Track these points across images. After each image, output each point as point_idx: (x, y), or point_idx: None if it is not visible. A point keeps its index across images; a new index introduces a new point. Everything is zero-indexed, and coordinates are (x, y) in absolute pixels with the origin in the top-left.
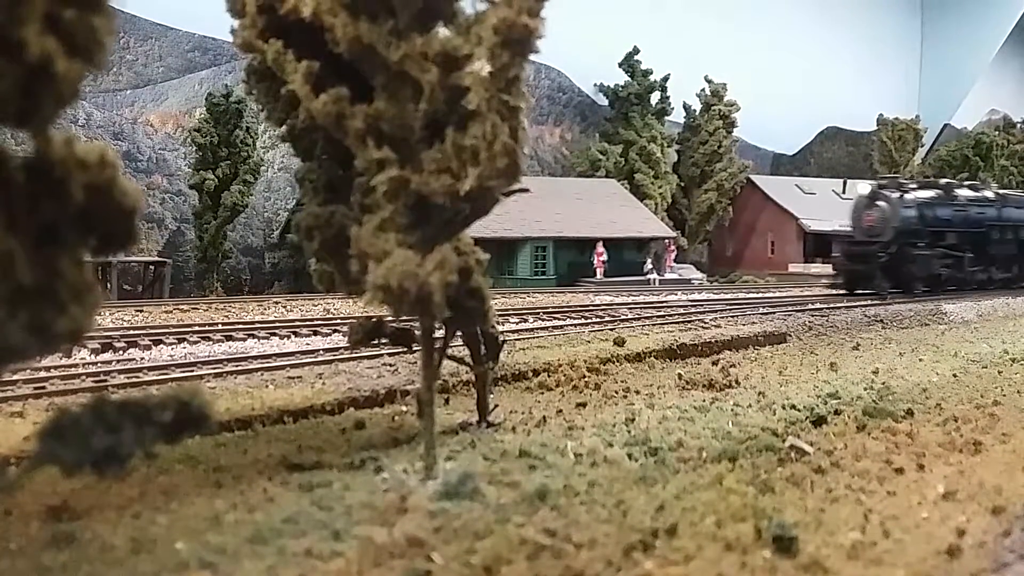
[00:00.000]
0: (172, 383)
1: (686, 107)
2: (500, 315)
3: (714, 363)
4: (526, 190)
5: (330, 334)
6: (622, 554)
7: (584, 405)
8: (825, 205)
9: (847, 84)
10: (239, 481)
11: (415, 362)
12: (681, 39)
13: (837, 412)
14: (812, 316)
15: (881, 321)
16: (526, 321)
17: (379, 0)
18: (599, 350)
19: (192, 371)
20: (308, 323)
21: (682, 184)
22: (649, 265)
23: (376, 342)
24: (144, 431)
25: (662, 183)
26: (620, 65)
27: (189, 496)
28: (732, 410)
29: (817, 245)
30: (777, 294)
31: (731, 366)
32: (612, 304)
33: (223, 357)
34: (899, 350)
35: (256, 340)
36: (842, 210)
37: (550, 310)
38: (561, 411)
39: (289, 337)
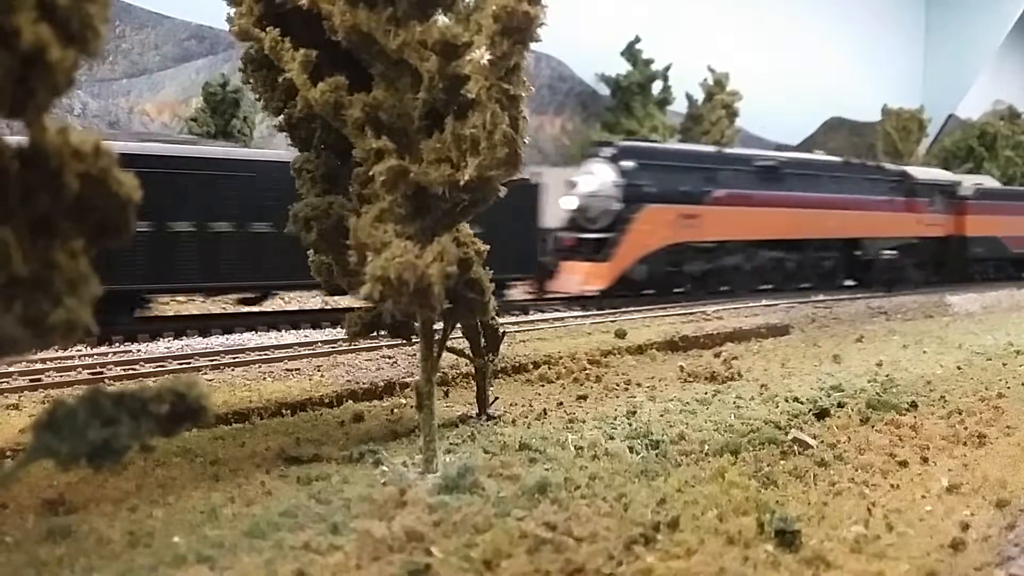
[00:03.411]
0: (169, 375)
1: (688, 96)
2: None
3: (716, 355)
4: (526, 180)
5: (328, 326)
6: (623, 548)
7: (585, 398)
8: None
9: (851, 74)
10: (236, 474)
11: (414, 354)
12: (683, 28)
13: (840, 405)
14: (815, 308)
15: (885, 313)
16: (527, 313)
17: None
18: (600, 342)
19: (189, 363)
20: (306, 315)
21: None
22: None
23: (375, 334)
24: (140, 424)
25: None
26: (622, 54)
27: (186, 489)
28: (734, 403)
29: None
30: None
31: (733, 358)
32: None
33: (220, 349)
34: (903, 342)
35: (254, 332)
36: None
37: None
38: (562, 404)
39: (287, 329)
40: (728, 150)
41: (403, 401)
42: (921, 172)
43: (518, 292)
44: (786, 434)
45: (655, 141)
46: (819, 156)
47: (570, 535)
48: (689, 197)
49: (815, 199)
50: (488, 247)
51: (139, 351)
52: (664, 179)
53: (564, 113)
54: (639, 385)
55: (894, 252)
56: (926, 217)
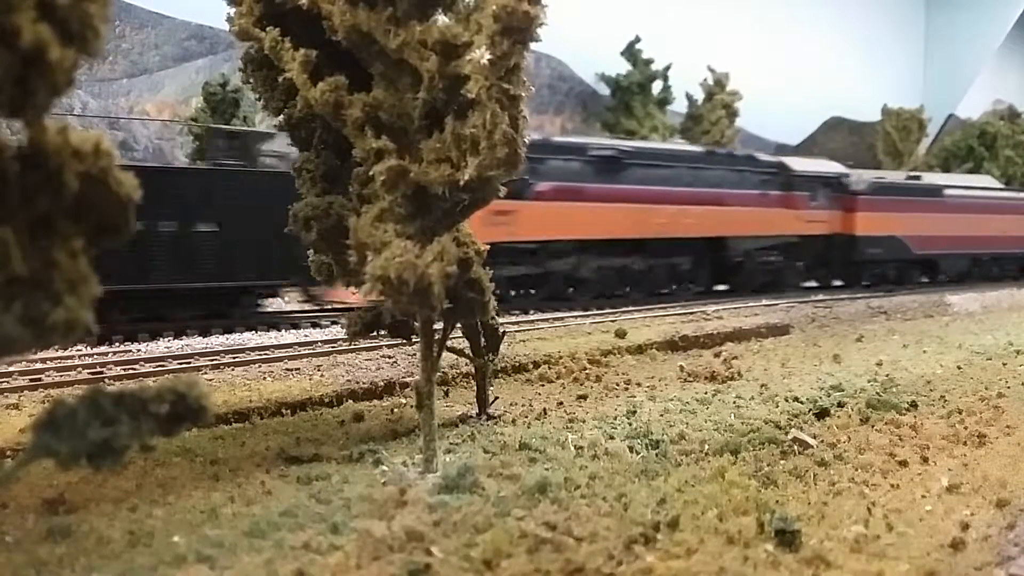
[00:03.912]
0: (169, 375)
1: (688, 96)
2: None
3: (716, 355)
4: (526, 179)
5: (328, 326)
6: (623, 547)
7: (585, 397)
8: None
9: (852, 74)
10: (236, 474)
11: (414, 354)
12: (684, 28)
13: (840, 404)
14: (815, 308)
15: (885, 312)
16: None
17: None
18: (600, 342)
19: (189, 363)
20: (306, 315)
21: None
22: None
23: (375, 334)
24: (140, 423)
25: None
26: (622, 54)
27: (186, 489)
28: (734, 402)
29: None
30: None
31: (733, 358)
32: None
33: (220, 349)
34: (903, 342)
35: (254, 332)
36: None
37: None
38: (562, 403)
39: (287, 329)
40: (557, 138)
41: (403, 401)
42: (801, 163)
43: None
44: (786, 434)
45: None
46: (677, 146)
47: (570, 535)
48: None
49: (667, 193)
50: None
51: (139, 351)
52: None
53: (564, 113)
54: (639, 385)
55: (767, 252)
56: (806, 213)
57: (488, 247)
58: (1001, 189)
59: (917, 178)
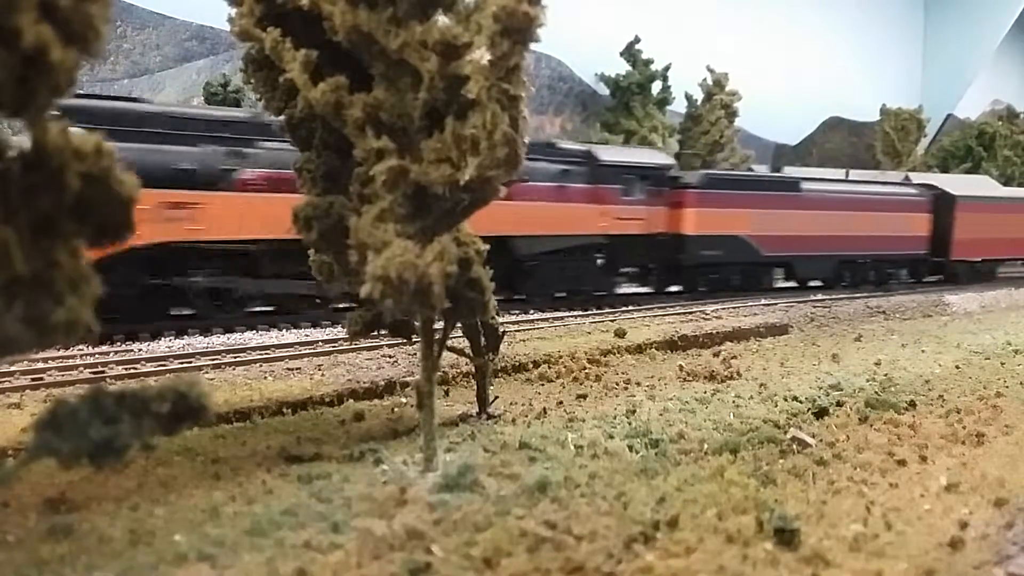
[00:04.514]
0: (170, 374)
1: (688, 97)
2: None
3: (715, 354)
4: (526, 180)
5: (329, 325)
6: (623, 546)
7: (585, 397)
8: None
9: (850, 74)
10: (238, 473)
11: (414, 353)
12: (683, 28)
13: (839, 404)
14: (814, 307)
15: (883, 312)
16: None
17: None
18: (600, 341)
19: (191, 362)
20: (307, 314)
21: None
22: None
23: (375, 333)
24: (142, 422)
25: None
26: (621, 54)
27: (187, 488)
28: (733, 402)
29: None
30: None
31: (732, 357)
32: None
33: (221, 348)
34: (901, 341)
35: (255, 331)
36: None
37: None
38: (562, 403)
39: (288, 328)
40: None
41: (403, 400)
42: (613, 152)
43: None
44: (785, 433)
45: (140, 100)
46: None
47: (570, 533)
48: (189, 177)
49: None
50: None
51: (140, 350)
52: (143, 151)
53: (564, 113)
54: (639, 384)
55: (567, 255)
56: (616, 209)
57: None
58: (880, 183)
59: (778, 171)
